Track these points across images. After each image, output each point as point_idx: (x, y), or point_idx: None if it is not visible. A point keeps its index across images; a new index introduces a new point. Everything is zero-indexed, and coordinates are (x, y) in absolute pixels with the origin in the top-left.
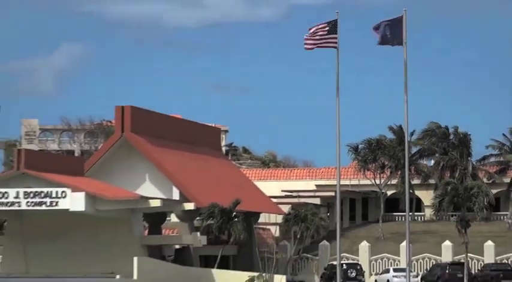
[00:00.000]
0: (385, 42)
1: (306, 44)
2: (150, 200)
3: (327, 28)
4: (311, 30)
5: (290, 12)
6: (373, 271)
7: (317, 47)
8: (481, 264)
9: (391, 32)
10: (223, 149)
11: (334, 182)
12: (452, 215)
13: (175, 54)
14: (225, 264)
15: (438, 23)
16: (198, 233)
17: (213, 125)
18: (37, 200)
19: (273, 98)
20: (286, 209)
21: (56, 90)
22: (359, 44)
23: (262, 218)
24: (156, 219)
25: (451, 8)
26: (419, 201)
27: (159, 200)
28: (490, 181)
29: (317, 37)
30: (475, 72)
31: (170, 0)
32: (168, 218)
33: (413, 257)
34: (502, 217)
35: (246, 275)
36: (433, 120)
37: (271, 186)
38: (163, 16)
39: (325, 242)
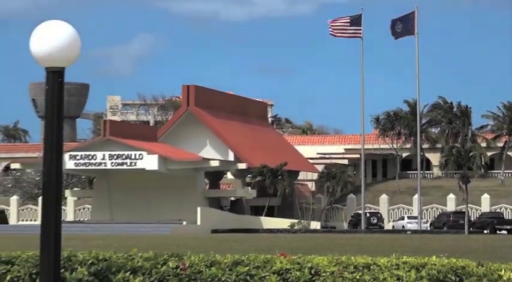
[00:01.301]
0: (400, 36)
1: (332, 32)
2: (210, 161)
3: (348, 21)
4: (335, 22)
5: (321, 9)
6: (391, 218)
7: (342, 36)
8: (478, 212)
9: (404, 25)
10: (269, 119)
11: (359, 146)
12: (455, 173)
13: (229, 43)
14: (270, 212)
15: (445, 15)
16: (249, 188)
17: (261, 100)
18: (119, 161)
19: (310, 77)
20: (320, 168)
21: (134, 72)
22: (381, 32)
23: (301, 175)
24: (215, 176)
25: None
26: (428, 161)
27: (217, 161)
28: (486, 145)
29: (341, 28)
30: (476, 56)
31: None
32: (224, 176)
33: (423, 207)
34: (496, 175)
35: (288, 221)
36: (440, 96)
37: (308, 150)
38: (220, 12)
39: (352, 195)
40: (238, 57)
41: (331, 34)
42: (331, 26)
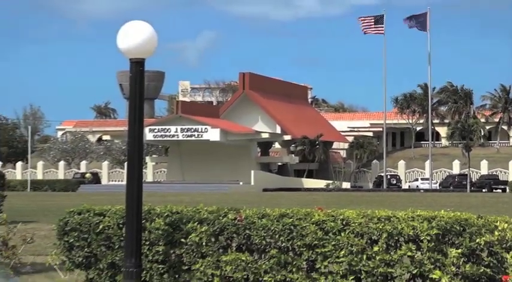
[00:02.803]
0: (412, 26)
1: (363, 29)
2: (262, 134)
3: (373, 20)
4: (363, 20)
5: (349, 10)
6: (407, 180)
7: (370, 33)
8: (478, 175)
9: (418, 21)
10: (309, 100)
11: (381, 122)
12: (459, 143)
13: (277, 38)
14: (310, 175)
15: (452, 15)
16: (293, 155)
17: (302, 84)
18: (189, 133)
19: (341, 65)
20: (350, 139)
21: (200, 62)
22: (399, 29)
23: (335, 145)
24: (265, 146)
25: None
26: (438, 134)
27: (267, 134)
28: (485, 120)
29: (368, 26)
30: (477, 49)
31: (274, 2)
32: (273, 145)
33: (433, 170)
34: (492, 144)
35: (324, 182)
36: (448, 80)
37: (340, 125)
38: (269, 13)
39: (375, 161)
40: (284, 49)
41: (363, 31)
42: (362, 24)
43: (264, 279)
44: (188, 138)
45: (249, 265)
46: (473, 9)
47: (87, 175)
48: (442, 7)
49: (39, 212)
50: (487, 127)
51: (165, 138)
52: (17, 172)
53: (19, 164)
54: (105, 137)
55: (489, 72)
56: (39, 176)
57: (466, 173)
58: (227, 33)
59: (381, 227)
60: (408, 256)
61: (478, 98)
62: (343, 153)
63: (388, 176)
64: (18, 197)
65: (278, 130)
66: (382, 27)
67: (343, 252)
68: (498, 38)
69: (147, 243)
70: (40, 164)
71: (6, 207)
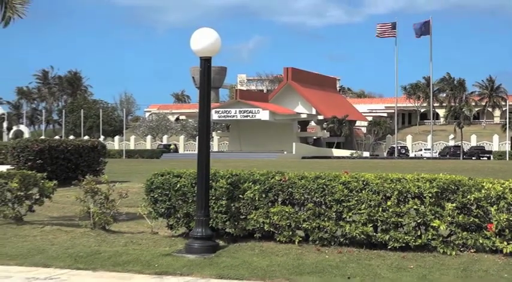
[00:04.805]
0: (419, 35)
1: (377, 34)
2: (301, 114)
3: (389, 25)
4: (381, 26)
5: (369, 18)
6: (413, 150)
7: (383, 37)
8: (469, 146)
9: (421, 27)
10: (337, 88)
11: (393, 105)
12: (454, 121)
13: (312, 40)
14: (338, 146)
15: (451, 21)
16: (325, 131)
17: (332, 76)
18: (245, 114)
19: (363, 61)
20: (369, 118)
21: (253, 59)
22: (410, 32)
23: (357, 123)
24: (304, 123)
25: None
26: (437, 114)
27: (305, 114)
28: (474, 104)
29: (382, 31)
30: (471, 48)
31: (309, 13)
32: (310, 123)
33: (434, 143)
34: (480, 123)
35: (349, 152)
36: (447, 72)
37: (362, 107)
38: (305, 22)
39: (389, 135)
40: (318, 48)
41: (377, 36)
42: (378, 29)
43: (303, 226)
44: (244, 118)
45: (291, 215)
46: (469, 15)
47: (172, 146)
48: (444, 13)
49: (132, 174)
50: (476, 109)
51: (227, 118)
52: (115, 144)
53: (116, 137)
54: (181, 117)
55: (480, 65)
56: (132, 147)
57: (459, 144)
58: (273, 37)
59: (393, 186)
60: (414, 209)
61: (470, 86)
62: (364, 130)
63: (399, 147)
64: (116, 162)
65: (313, 112)
66: (395, 31)
67: (363, 205)
68: (489, 38)
69: (213, 198)
70: (132, 138)
71: (107, 170)
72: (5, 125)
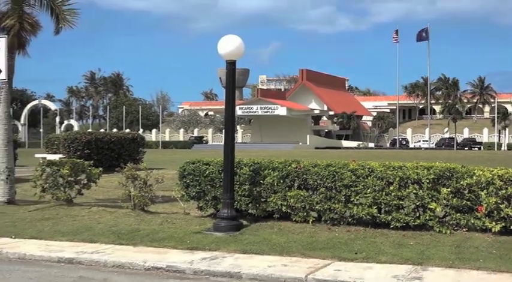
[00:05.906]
0: (419, 40)
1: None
2: (314, 110)
3: (394, 33)
4: (395, 34)
5: (373, 26)
6: (413, 141)
7: (397, 42)
8: (462, 138)
9: (421, 34)
10: (346, 87)
11: (395, 102)
12: (449, 116)
13: (322, 46)
14: (347, 138)
15: (447, 28)
16: (335, 124)
17: (342, 77)
18: (265, 110)
19: (369, 64)
20: (374, 114)
21: (273, 62)
22: (411, 37)
23: (364, 118)
24: (317, 118)
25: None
26: (434, 110)
27: (318, 110)
28: (467, 101)
29: (395, 38)
30: (463, 51)
31: (321, 22)
32: (322, 118)
33: (431, 135)
34: (472, 117)
35: (356, 143)
36: (442, 73)
37: (368, 104)
38: (317, 29)
39: (391, 129)
40: (329, 52)
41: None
42: (393, 37)
43: (316, 207)
44: (264, 113)
45: (306, 198)
46: (463, 23)
47: (205, 138)
48: (440, 21)
49: (167, 162)
50: (468, 105)
51: (249, 114)
52: (152, 136)
53: (153, 130)
54: (210, 113)
55: (471, 67)
56: (167, 139)
57: (453, 136)
58: (290, 42)
59: (395, 173)
60: (413, 193)
61: (463, 85)
62: (369, 123)
63: (400, 139)
64: (153, 152)
65: (325, 108)
66: (397, 37)
67: (369, 190)
68: (480, 43)
69: (238, 183)
70: (167, 131)
71: (145, 159)
72: (57, 119)
